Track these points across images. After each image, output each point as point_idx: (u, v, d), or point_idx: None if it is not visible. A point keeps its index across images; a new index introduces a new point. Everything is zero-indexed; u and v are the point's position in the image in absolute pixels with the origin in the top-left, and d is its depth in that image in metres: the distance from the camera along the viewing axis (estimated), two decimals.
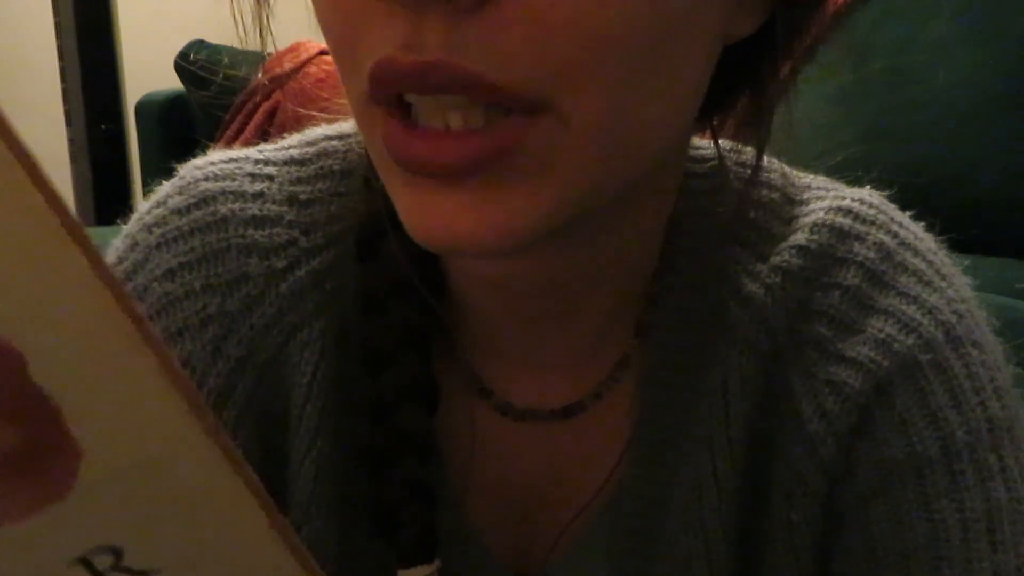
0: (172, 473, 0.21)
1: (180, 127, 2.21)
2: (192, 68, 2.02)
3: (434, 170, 0.33)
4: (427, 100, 0.33)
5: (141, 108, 2.26)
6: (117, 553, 0.21)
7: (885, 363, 0.42)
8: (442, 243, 0.34)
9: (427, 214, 0.34)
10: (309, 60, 1.72)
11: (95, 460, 0.20)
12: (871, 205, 0.45)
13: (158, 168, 0.49)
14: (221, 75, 1.89)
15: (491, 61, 0.31)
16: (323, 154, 0.46)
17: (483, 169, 0.32)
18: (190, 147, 0.52)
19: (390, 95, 0.33)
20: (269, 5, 0.42)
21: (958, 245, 0.48)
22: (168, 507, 0.21)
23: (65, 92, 2.20)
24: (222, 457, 0.21)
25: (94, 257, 0.18)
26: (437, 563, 0.45)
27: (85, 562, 0.21)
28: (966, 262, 0.47)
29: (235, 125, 1.86)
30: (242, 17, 0.43)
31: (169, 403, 0.20)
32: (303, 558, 0.24)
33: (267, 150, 0.47)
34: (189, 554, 0.23)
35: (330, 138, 0.47)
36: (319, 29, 0.36)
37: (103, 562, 0.21)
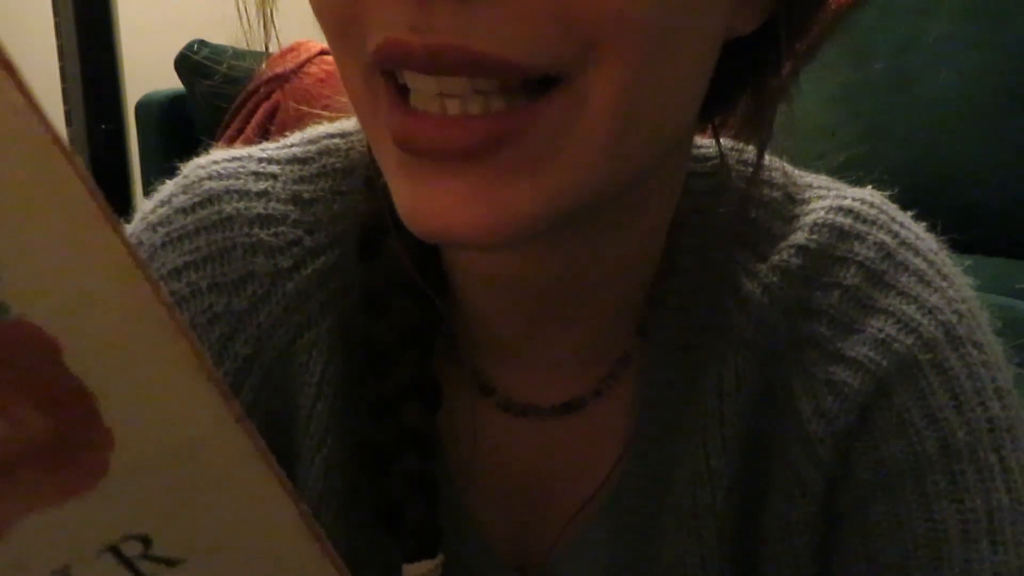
0: (201, 461, 0.21)
1: (180, 127, 2.20)
2: (195, 58, 2.02)
3: (435, 148, 0.32)
4: (429, 82, 0.32)
5: (141, 108, 2.26)
6: (146, 541, 0.21)
7: (885, 363, 0.42)
8: (438, 233, 0.33)
9: (423, 202, 0.33)
10: (310, 59, 1.72)
11: (127, 448, 0.20)
12: (872, 205, 0.45)
13: (158, 168, 0.49)
14: (225, 65, 1.89)
15: (501, 42, 0.31)
16: (325, 152, 0.46)
17: (487, 153, 0.32)
18: (190, 147, 0.52)
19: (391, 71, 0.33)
20: (274, 2, 0.42)
21: (959, 245, 0.48)
22: (197, 495, 0.21)
23: (65, 92, 2.19)
24: (250, 445, 0.21)
25: (129, 245, 0.18)
26: (440, 558, 0.45)
27: (115, 550, 0.21)
28: (967, 262, 0.47)
29: (236, 124, 1.86)
30: (247, 13, 0.42)
31: (199, 391, 0.20)
32: (327, 548, 0.24)
33: (270, 148, 0.47)
34: (216, 542, 0.23)
35: (332, 136, 0.47)
36: (320, 29, 0.36)
37: (132, 550, 0.21)
